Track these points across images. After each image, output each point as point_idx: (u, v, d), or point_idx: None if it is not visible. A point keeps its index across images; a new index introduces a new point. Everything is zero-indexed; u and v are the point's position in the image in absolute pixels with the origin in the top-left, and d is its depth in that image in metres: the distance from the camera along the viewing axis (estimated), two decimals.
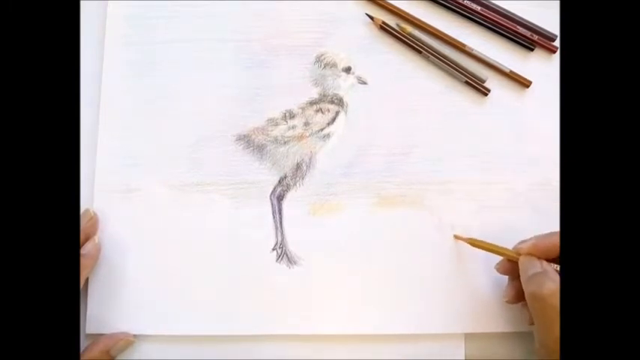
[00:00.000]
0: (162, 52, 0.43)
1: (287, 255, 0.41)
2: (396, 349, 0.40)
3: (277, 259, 0.41)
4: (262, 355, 0.40)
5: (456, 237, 0.41)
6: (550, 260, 0.36)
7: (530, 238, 0.37)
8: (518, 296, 0.38)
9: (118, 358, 0.39)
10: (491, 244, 0.39)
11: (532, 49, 0.44)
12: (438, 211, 0.42)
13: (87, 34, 0.43)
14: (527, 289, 0.35)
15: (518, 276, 0.37)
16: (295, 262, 0.41)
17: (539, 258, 0.36)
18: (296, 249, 0.41)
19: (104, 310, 0.40)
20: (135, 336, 0.40)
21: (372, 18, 0.44)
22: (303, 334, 0.40)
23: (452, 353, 0.40)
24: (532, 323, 0.37)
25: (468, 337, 0.40)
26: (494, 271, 0.40)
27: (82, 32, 0.42)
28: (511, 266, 0.38)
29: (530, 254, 0.36)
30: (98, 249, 0.40)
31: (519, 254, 0.37)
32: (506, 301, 0.39)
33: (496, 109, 0.43)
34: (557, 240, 0.36)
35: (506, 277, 0.39)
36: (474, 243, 0.39)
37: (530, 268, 0.36)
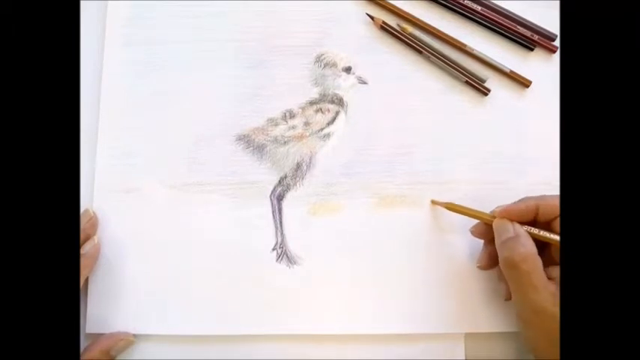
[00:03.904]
0: (162, 52, 0.43)
1: (287, 255, 0.41)
2: (396, 349, 0.40)
3: (277, 259, 0.41)
4: (262, 355, 0.40)
5: (433, 202, 0.41)
6: (524, 223, 0.36)
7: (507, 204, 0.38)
8: (491, 262, 0.38)
9: (118, 358, 0.39)
10: (467, 208, 0.39)
11: (532, 49, 0.44)
12: (438, 211, 0.42)
13: (87, 34, 0.43)
14: (500, 255, 0.36)
15: (493, 240, 0.37)
16: (295, 262, 0.41)
17: (512, 221, 0.36)
18: (296, 249, 0.41)
19: (104, 310, 0.40)
20: (135, 336, 0.40)
21: (372, 18, 0.44)
22: (303, 334, 0.40)
23: (452, 353, 0.40)
24: (508, 298, 0.38)
25: (468, 337, 0.40)
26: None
27: (82, 32, 0.42)
28: (486, 229, 0.38)
29: (504, 217, 0.37)
30: (98, 249, 0.40)
31: (494, 217, 0.37)
32: (479, 267, 0.39)
33: (496, 109, 0.43)
34: (531, 203, 0.37)
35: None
36: (451, 207, 0.40)
37: (503, 232, 0.36)
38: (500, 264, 0.36)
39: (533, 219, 0.37)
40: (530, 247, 0.35)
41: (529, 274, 0.34)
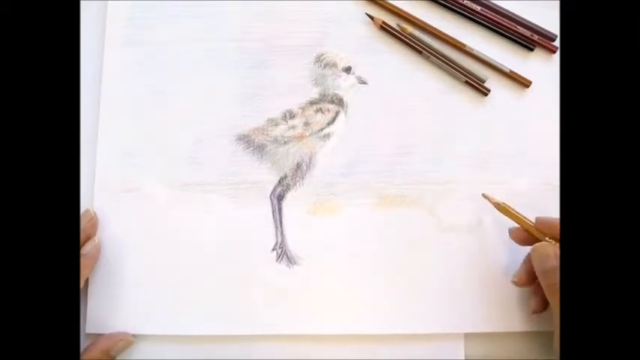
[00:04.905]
0: (162, 52, 0.43)
1: (287, 255, 0.41)
2: (396, 349, 0.40)
3: (277, 259, 0.41)
4: (262, 355, 0.40)
5: (484, 196, 0.40)
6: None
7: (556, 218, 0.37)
8: (529, 280, 0.38)
9: (118, 358, 0.39)
10: (517, 214, 0.38)
11: (532, 49, 0.44)
12: (438, 211, 0.42)
13: (87, 34, 0.43)
14: (544, 282, 0.35)
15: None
16: (295, 262, 0.41)
17: (555, 242, 0.36)
18: (296, 249, 0.41)
19: (104, 310, 0.40)
20: (135, 336, 0.40)
21: (372, 18, 0.44)
22: (303, 334, 0.40)
23: (452, 353, 0.40)
24: (536, 311, 0.37)
25: (468, 337, 0.40)
26: (494, 271, 0.40)
27: (82, 32, 0.42)
28: (525, 237, 0.38)
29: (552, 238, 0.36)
30: (98, 249, 0.40)
31: (542, 232, 0.37)
32: (514, 282, 0.38)
33: (496, 109, 0.43)
34: None
35: (507, 277, 0.39)
36: (500, 207, 0.39)
37: (545, 260, 0.35)
38: (545, 290, 0.35)
39: None
40: None
41: None
